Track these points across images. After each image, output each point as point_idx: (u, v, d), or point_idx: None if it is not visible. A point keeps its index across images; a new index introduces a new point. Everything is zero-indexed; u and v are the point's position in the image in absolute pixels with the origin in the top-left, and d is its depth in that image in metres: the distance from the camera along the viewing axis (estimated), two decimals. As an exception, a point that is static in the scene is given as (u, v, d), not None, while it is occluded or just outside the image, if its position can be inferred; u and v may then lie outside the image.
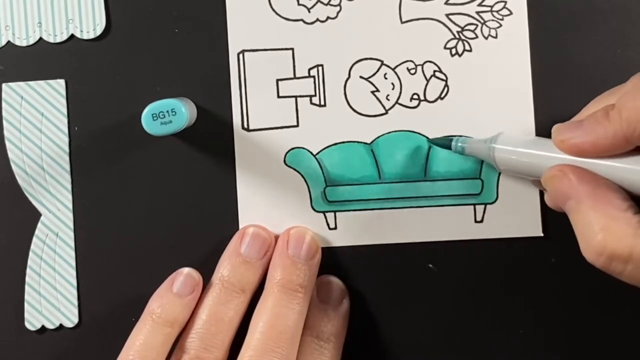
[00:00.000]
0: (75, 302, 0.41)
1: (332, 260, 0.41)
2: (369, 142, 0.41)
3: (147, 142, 0.41)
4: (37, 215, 0.41)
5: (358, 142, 0.41)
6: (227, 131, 0.41)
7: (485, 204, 0.40)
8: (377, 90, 0.41)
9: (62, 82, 0.41)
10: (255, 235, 0.40)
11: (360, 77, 0.41)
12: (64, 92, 0.41)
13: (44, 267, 0.41)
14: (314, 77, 0.41)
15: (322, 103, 0.41)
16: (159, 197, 0.41)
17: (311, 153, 0.41)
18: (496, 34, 0.40)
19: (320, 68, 0.41)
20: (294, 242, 0.40)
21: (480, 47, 0.40)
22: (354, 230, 0.41)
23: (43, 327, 0.41)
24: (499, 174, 0.40)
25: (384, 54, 0.41)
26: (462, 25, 0.41)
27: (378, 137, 0.41)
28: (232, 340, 0.38)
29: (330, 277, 0.41)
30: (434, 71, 0.41)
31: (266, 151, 0.41)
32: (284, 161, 0.41)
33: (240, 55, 0.41)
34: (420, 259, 0.41)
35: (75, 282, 0.41)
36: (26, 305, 0.41)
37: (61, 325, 0.41)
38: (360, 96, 0.41)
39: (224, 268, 0.39)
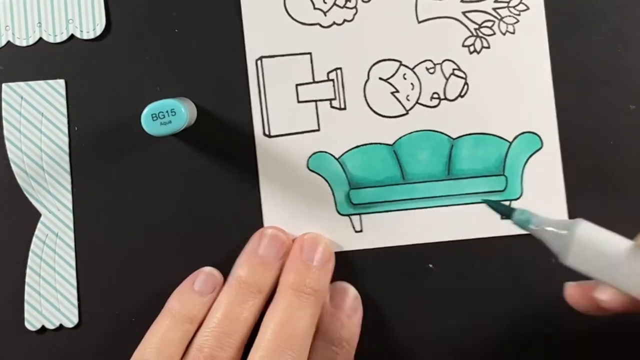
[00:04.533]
0: (75, 302, 0.41)
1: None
2: (390, 143, 0.41)
3: (147, 143, 0.41)
4: (37, 215, 0.41)
5: (380, 143, 0.41)
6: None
7: (510, 201, 0.40)
8: (397, 91, 0.41)
9: (62, 82, 0.41)
10: (274, 237, 0.40)
11: (380, 78, 0.41)
12: (64, 92, 0.41)
13: (44, 267, 0.41)
14: (333, 80, 0.41)
15: (342, 106, 0.41)
16: (159, 197, 0.41)
17: (334, 157, 0.41)
18: (514, 30, 0.40)
19: (339, 71, 0.41)
20: (307, 247, 0.39)
21: (499, 43, 0.40)
22: (380, 232, 0.40)
23: (43, 327, 0.41)
24: (523, 169, 0.40)
25: (402, 54, 0.41)
26: (479, 22, 0.40)
27: (400, 137, 0.41)
28: (246, 340, 0.38)
29: (344, 284, 0.40)
30: (453, 69, 0.41)
31: (288, 157, 0.41)
32: (307, 166, 0.41)
33: (259, 62, 0.41)
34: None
35: (75, 282, 0.41)
36: (26, 306, 0.41)
37: (61, 326, 0.41)
38: (380, 97, 0.41)
39: (241, 268, 0.39)
